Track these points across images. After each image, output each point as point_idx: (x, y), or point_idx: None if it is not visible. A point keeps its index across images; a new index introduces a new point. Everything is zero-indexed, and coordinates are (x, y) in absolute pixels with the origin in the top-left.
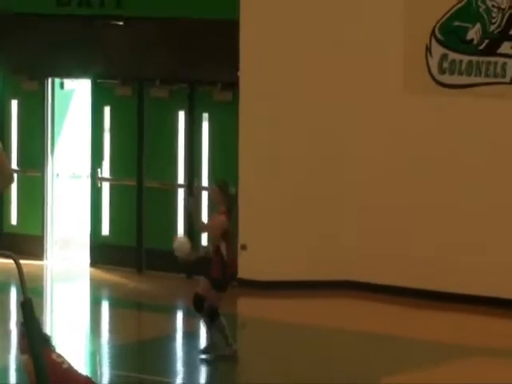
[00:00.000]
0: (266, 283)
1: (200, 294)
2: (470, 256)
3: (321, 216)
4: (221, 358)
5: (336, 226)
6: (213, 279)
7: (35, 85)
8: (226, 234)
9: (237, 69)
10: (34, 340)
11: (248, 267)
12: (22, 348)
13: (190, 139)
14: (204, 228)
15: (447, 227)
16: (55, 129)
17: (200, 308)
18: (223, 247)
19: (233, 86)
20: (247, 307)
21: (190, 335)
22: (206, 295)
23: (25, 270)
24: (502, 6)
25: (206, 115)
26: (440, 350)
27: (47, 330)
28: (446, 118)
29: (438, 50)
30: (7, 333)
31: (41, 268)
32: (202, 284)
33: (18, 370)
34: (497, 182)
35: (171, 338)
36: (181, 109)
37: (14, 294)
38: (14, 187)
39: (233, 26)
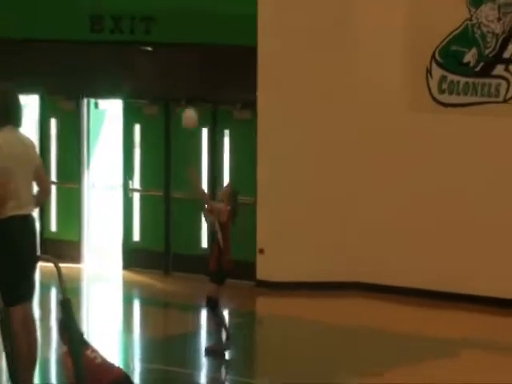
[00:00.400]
0: (281, 284)
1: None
2: (469, 259)
3: (331, 223)
4: (212, 351)
5: (345, 232)
6: (209, 272)
7: (72, 105)
8: (224, 226)
9: (255, 90)
10: (72, 335)
11: (265, 269)
12: (63, 340)
13: (212, 153)
14: (211, 207)
15: (447, 233)
16: (90, 144)
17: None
18: (220, 237)
19: (251, 105)
20: (264, 306)
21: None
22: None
23: (63, 272)
24: (496, 32)
25: (227, 132)
26: (440, 344)
27: (84, 326)
28: (445, 134)
29: (437, 72)
30: (48, 329)
31: (78, 271)
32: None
33: (58, 362)
34: (492, 191)
35: (196, 333)
36: (204, 126)
37: (54, 293)
38: (53, 197)
39: (251, 51)
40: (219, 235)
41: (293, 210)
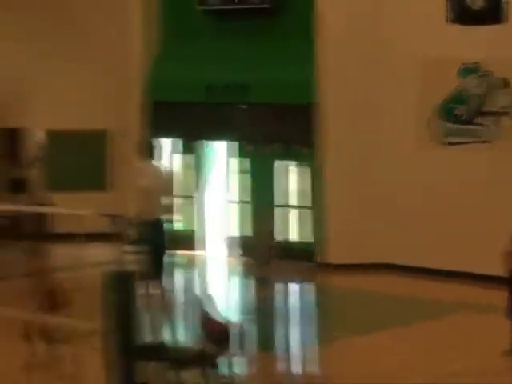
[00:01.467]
0: (335, 265)
1: None
2: (465, 244)
3: (371, 221)
4: None
5: (379, 228)
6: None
7: (193, 145)
8: None
9: (315, 134)
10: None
11: (324, 255)
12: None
13: (284, 178)
14: None
15: (451, 228)
16: (205, 172)
17: None
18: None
19: (312, 145)
20: (323, 280)
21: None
22: None
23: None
24: (477, 94)
25: (294, 163)
26: (440, 306)
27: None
28: (443, 162)
29: (437, 121)
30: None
31: (197, 256)
32: None
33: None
34: (474, 199)
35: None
36: (279, 159)
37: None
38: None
39: (313, 106)
40: None
41: (343, 213)
